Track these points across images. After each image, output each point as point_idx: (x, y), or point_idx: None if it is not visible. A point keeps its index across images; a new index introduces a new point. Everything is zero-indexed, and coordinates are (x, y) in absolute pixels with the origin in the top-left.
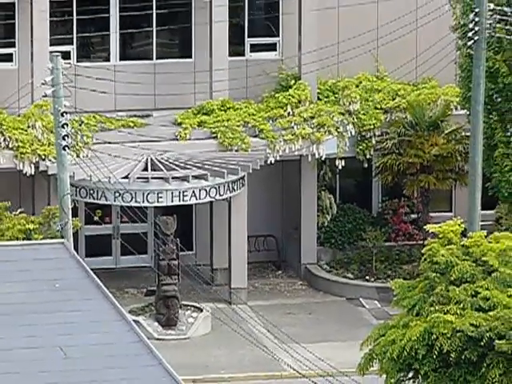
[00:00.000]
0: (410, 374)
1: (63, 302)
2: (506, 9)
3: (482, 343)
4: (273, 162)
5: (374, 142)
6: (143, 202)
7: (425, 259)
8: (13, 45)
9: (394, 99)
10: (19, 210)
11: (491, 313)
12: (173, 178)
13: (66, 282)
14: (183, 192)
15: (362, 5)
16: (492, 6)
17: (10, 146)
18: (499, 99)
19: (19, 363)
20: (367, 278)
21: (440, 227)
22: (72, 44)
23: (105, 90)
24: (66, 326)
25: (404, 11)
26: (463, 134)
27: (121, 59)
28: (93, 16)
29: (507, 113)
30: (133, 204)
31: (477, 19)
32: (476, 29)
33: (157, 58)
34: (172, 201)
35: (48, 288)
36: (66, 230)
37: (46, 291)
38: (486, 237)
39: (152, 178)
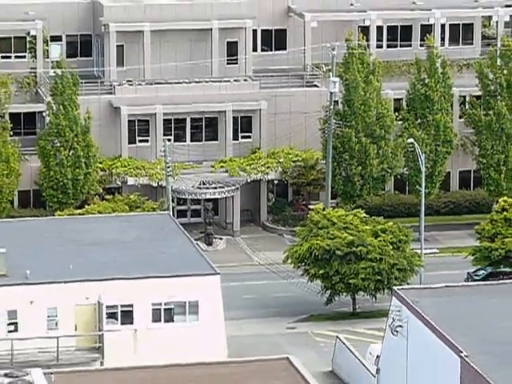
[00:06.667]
0: (303, 264)
1: (166, 237)
2: (340, 122)
3: (331, 252)
4: (249, 181)
5: (288, 173)
6: (199, 196)
7: (308, 219)
8: (148, 135)
9: (296, 156)
10: (150, 200)
11: (334, 240)
12: (211, 187)
13: (168, 229)
14: (215, 193)
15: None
16: (335, 120)
17: (147, 175)
18: (336, 156)
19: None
20: (287, 226)
21: (315, 207)
22: (171, 135)
23: (183, 153)
24: (167, 245)
25: (298, 121)
26: (324, 170)
27: (191, 141)
28: (176, 126)
29: (341, 162)
30: (195, 198)
31: (327, 126)
32: (328, 129)
33: (204, 141)
34: (211, 196)
35: (160, 231)
36: (169, 208)
37: (159, 233)
38: (332, 210)
39: (203, 187)
